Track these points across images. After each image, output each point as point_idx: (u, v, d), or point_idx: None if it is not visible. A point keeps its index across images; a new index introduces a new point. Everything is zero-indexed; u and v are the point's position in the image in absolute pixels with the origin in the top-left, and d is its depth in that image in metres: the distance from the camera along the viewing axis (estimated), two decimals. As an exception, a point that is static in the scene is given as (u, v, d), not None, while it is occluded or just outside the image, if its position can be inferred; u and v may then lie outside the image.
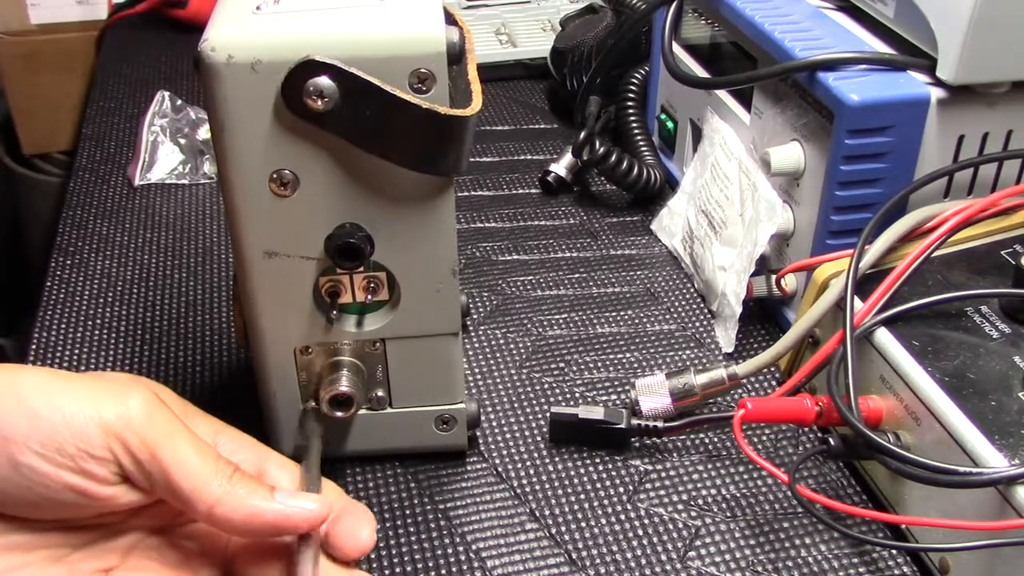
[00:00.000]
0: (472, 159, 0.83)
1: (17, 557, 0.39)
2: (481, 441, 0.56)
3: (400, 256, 0.47)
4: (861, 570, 0.48)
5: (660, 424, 0.54)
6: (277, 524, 0.40)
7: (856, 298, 0.50)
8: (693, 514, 0.51)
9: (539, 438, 0.56)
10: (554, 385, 0.60)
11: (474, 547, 0.50)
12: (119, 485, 0.39)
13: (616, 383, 0.60)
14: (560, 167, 0.78)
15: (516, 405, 0.58)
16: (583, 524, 0.51)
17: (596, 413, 0.54)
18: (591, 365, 0.61)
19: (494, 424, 0.57)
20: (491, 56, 0.96)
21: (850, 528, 0.49)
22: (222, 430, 0.45)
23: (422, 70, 0.42)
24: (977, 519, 0.43)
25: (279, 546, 0.43)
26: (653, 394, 0.55)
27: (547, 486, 0.53)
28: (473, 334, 0.64)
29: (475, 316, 0.65)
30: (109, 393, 0.39)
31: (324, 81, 0.41)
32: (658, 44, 0.75)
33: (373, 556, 0.49)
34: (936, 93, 0.53)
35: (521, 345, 0.63)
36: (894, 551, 0.49)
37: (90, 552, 0.41)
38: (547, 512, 0.51)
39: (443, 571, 0.48)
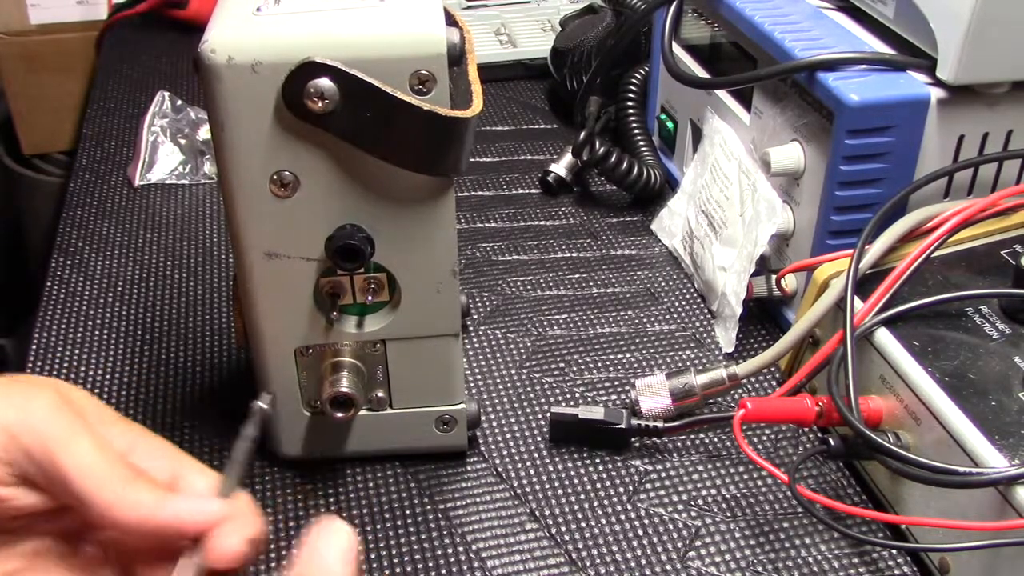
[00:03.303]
0: (472, 159, 0.83)
1: None
2: (481, 441, 0.56)
3: (400, 257, 0.47)
4: (861, 570, 0.48)
5: (660, 424, 0.54)
6: (170, 526, 0.40)
7: (856, 298, 0.50)
8: (693, 514, 0.51)
9: (539, 438, 0.56)
10: (554, 385, 0.60)
11: (474, 547, 0.50)
12: (17, 487, 0.39)
13: (616, 383, 0.60)
14: (560, 167, 0.78)
15: (516, 405, 0.58)
16: (583, 524, 0.51)
17: (596, 413, 0.54)
18: (591, 365, 0.61)
19: (494, 424, 0.57)
20: (491, 56, 0.96)
21: (850, 528, 0.49)
22: (141, 437, 0.43)
23: (423, 71, 0.42)
24: (977, 519, 0.43)
25: (177, 551, 0.43)
26: (653, 394, 0.55)
27: (547, 486, 0.53)
28: (473, 334, 0.64)
29: (475, 316, 0.65)
30: (14, 394, 0.39)
31: (324, 82, 0.41)
32: (658, 44, 0.75)
33: (373, 556, 0.49)
34: (936, 93, 0.53)
35: (521, 345, 0.63)
36: (894, 551, 0.49)
37: None
38: (547, 512, 0.52)
39: (443, 571, 0.49)
